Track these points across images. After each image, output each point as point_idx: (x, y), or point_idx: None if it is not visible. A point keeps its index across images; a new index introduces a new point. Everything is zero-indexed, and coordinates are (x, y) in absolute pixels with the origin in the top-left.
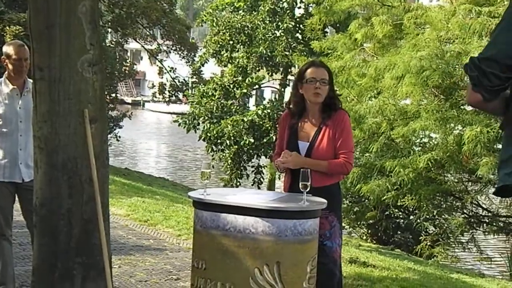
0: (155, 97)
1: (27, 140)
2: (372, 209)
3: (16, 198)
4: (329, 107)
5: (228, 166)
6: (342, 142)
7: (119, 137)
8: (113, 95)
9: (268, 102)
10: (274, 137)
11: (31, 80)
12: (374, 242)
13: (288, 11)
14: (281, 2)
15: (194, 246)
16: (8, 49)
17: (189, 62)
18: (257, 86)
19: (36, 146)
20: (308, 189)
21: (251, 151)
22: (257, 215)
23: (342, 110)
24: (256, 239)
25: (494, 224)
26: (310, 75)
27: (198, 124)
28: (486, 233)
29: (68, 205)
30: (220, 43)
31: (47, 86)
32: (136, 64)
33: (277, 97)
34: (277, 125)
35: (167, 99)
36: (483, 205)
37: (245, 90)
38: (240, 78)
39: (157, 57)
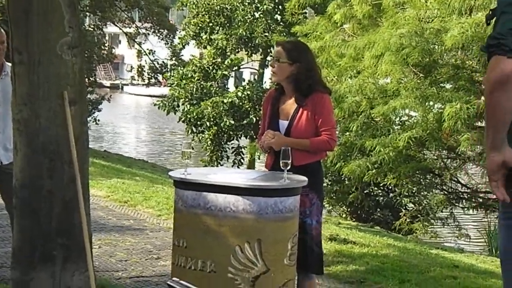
0: (134, 80)
1: (5, 124)
2: (352, 189)
3: None
4: (300, 87)
5: (208, 148)
6: (322, 120)
7: (98, 120)
8: (92, 78)
9: (247, 84)
10: (254, 119)
11: (9, 64)
12: (354, 220)
13: None
14: None
15: (175, 225)
16: None
17: (168, 43)
18: (236, 68)
19: (16, 129)
20: (288, 167)
21: (231, 132)
22: (237, 194)
23: (323, 92)
24: (237, 217)
25: (473, 200)
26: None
27: (178, 106)
28: (466, 209)
29: (48, 186)
30: (200, 25)
31: (26, 69)
32: (114, 48)
33: (256, 78)
34: (256, 107)
35: (146, 82)
36: (462, 181)
37: (224, 72)
38: (219, 59)
39: (136, 40)
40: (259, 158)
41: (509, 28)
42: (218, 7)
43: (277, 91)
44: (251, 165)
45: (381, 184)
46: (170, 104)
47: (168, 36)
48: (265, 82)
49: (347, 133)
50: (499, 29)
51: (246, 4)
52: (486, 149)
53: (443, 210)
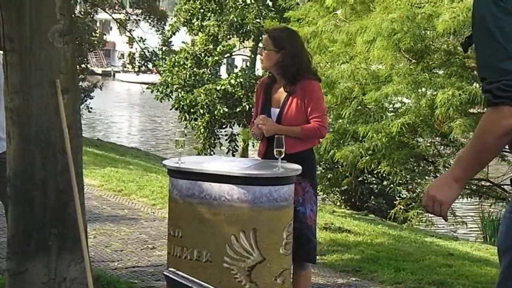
0: (125, 67)
1: None
2: (346, 175)
3: None
4: (286, 74)
5: (201, 135)
6: (312, 107)
7: (91, 108)
8: (83, 65)
9: (240, 71)
10: (247, 106)
11: (1, 52)
12: (348, 208)
13: None
14: None
15: (169, 215)
16: None
17: (159, 30)
18: (228, 54)
19: (8, 117)
20: (282, 156)
21: (224, 120)
22: (232, 182)
23: (311, 79)
24: (231, 206)
25: (467, 187)
26: None
27: (171, 92)
28: (459, 197)
29: (42, 175)
30: (191, 11)
31: (18, 57)
32: (105, 35)
33: (248, 65)
34: (249, 94)
35: (137, 69)
36: None
37: (216, 58)
38: (211, 46)
39: (127, 27)
40: (253, 146)
41: None
42: None
43: (270, 79)
44: (245, 153)
45: (374, 172)
46: (163, 91)
47: (159, 22)
48: (257, 69)
49: (340, 120)
50: (503, 77)
51: None
52: (447, 176)
53: None
